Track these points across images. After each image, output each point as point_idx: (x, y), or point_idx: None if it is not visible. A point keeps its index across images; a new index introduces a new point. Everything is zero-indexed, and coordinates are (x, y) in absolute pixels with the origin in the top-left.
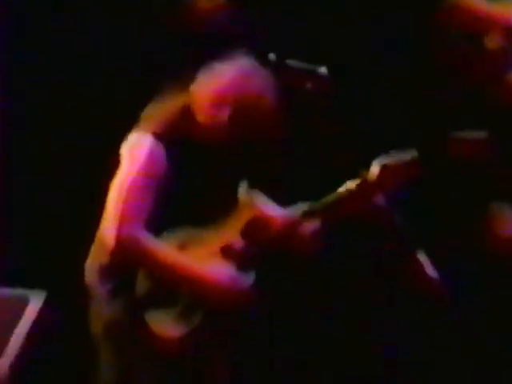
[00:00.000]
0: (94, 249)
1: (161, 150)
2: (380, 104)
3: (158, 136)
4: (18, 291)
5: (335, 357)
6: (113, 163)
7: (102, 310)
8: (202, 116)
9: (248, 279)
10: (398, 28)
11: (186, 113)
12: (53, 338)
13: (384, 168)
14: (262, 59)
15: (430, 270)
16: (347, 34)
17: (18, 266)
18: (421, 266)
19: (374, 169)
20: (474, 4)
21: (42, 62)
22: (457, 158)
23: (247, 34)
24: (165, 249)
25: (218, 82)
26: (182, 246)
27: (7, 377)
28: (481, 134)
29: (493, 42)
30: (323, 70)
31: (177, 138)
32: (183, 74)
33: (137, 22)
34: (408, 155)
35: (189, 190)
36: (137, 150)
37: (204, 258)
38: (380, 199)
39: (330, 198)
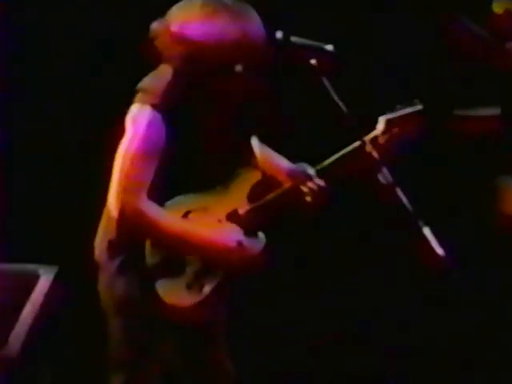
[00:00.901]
0: (101, 225)
1: (159, 121)
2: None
3: (156, 106)
4: (29, 266)
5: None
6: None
7: (113, 286)
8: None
9: (257, 243)
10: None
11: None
12: (63, 313)
13: (389, 122)
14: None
15: (436, 246)
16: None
17: (29, 241)
18: (426, 241)
19: (380, 124)
20: None
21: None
22: (464, 135)
23: None
24: (170, 217)
25: (186, 27)
26: (188, 214)
27: (18, 351)
28: (488, 111)
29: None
30: (329, 47)
31: (175, 106)
32: None
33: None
34: (412, 107)
35: (190, 157)
36: (136, 122)
37: (210, 225)
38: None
39: (338, 155)
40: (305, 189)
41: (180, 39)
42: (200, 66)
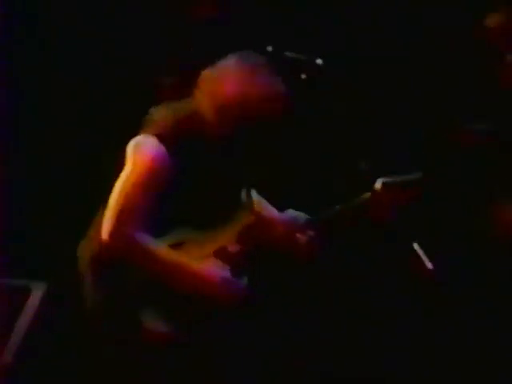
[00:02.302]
0: (86, 240)
1: (164, 153)
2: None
3: (162, 139)
4: (20, 282)
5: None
6: (114, 163)
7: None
8: (212, 116)
9: (240, 282)
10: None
11: (195, 116)
12: (54, 327)
13: (385, 186)
14: (259, 50)
15: (427, 262)
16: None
17: (20, 257)
18: (417, 257)
19: (377, 186)
20: None
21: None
22: (464, 149)
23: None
24: (159, 248)
25: (225, 83)
26: (179, 246)
27: (11, 365)
28: (489, 126)
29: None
30: (319, 61)
31: (180, 142)
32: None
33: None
34: (411, 176)
35: (190, 192)
36: (140, 151)
37: (198, 259)
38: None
39: (333, 211)
40: (297, 238)
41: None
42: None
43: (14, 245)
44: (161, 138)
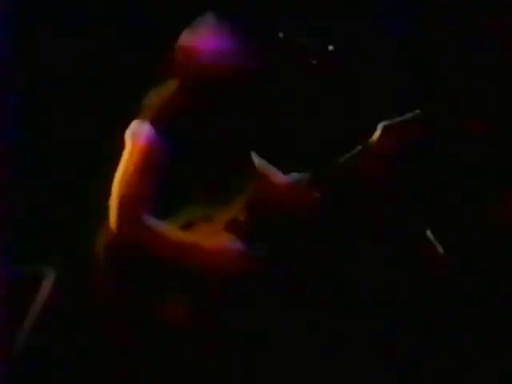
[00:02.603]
0: (101, 230)
1: (156, 137)
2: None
3: (153, 123)
4: (31, 270)
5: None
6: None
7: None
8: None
9: (256, 251)
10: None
11: (179, 92)
12: (65, 315)
13: (386, 129)
14: (270, 37)
15: (439, 250)
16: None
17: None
18: (429, 245)
19: (377, 132)
20: None
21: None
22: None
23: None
24: (169, 229)
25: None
26: (189, 226)
27: (21, 353)
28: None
29: None
30: (330, 47)
31: (172, 122)
32: None
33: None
34: (409, 116)
35: (191, 169)
36: (134, 138)
37: (210, 235)
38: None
39: (336, 163)
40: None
41: (187, 53)
42: (206, 78)
43: (23, 232)
44: (152, 122)
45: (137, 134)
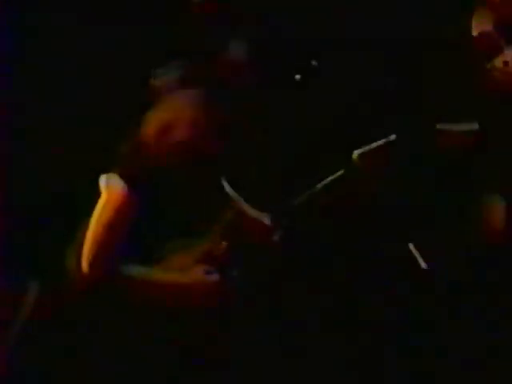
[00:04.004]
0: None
1: (126, 191)
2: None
3: (125, 176)
4: (15, 281)
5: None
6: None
7: None
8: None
9: (228, 281)
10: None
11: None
12: (49, 326)
13: (362, 156)
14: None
15: (422, 262)
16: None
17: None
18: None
19: (354, 158)
20: None
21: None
22: (445, 150)
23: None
24: (142, 273)
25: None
26: (163, 260)
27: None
28: (468, 126)
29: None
30: (314, 62)
31: (142, 176)
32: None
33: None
34: (384, 140)
35: (164, 213)
36: (106, 191)
37: (186, 267)
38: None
39: (315, 189)
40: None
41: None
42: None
43: (10, 244)
44: (123, 175)
45: (107, 188)
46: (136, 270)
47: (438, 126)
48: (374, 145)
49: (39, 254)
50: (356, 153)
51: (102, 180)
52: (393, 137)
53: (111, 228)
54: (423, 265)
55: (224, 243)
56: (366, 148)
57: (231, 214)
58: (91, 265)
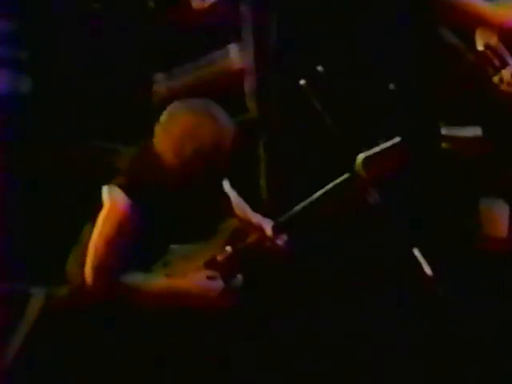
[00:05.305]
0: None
1: (127, 204)
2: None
3: (126, 189)
4: (20, 287)
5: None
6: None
7: None
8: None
9: (232, 286)
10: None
11: (155, 161)
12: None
13: (367, 159)
14: None
15: (426, 268)
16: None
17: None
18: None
19: (358, 162)
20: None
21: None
22: (448, 155)
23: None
24: (143, 281)
25: (176, 130)
26: (166, 266)
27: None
28: (472, 132)
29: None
30: (319, 67)
31: (144, 189)
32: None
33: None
34: (389, 142)
35: (166, 226)
36: (107, 203)
37: (189, 273)
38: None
39: (319, 193)
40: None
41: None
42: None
43: (14, 249)
44: (125, 188)
45: (109, 199)
46: (139, 277)
47: (443, 132)
48: (379, 148)
49: (43, 260)
50: (361, 156)
51: (105, 191)
52: (397, 139)
53: (112, 241)
54: (428, 271)
55: (227, 249)
56: (371, 151)
57: (235, 221)
58: (93, 278)
